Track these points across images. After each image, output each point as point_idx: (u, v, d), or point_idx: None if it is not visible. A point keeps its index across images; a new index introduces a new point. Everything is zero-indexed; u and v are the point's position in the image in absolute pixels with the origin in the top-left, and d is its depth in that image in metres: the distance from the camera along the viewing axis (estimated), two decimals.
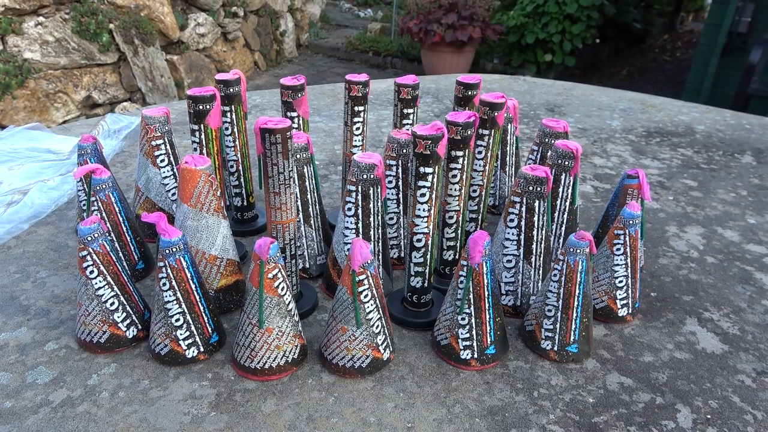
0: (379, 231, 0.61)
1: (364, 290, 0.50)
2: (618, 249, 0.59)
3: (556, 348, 0.55)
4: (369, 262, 0.49)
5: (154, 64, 4.17)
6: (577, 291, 0.53)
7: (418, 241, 0.57)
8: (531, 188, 0.57)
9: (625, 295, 0.61)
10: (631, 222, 0.58)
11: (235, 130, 0.69)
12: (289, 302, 0.51)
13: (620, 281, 0.60)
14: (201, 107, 0.57)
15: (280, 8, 5.43)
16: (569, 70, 4.88)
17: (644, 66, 5.83)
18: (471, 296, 0.52)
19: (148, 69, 4.13)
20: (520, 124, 1.21)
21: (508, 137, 0.79)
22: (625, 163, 1.05)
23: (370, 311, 0.51)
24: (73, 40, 3.70)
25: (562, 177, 0.63)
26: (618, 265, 0.60)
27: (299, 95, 0.67)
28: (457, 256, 0.65)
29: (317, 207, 0.66)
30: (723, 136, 1.21)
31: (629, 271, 0.60)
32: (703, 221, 0.85)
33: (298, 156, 0.62)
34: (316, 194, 0.65)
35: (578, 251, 0.52)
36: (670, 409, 0.51)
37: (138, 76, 4.14)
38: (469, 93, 0.68)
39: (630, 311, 0.61)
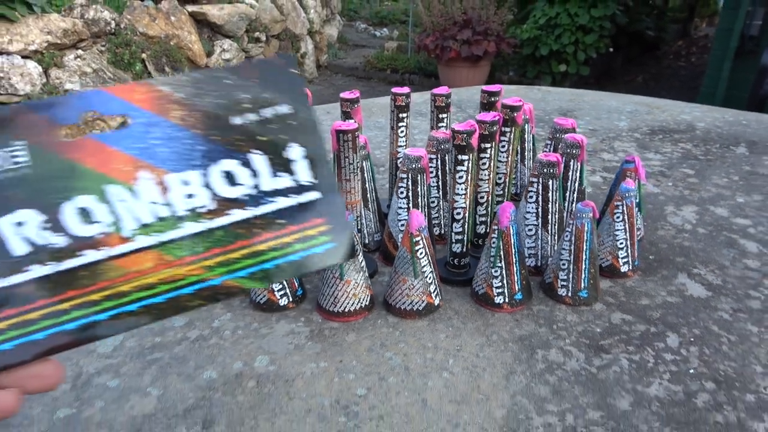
0: (425, 210, 0.76)
1: (419, 249, 0.65)
2: (618, 217, 0.74)
3: (570, 294, 0.70)
4: (423, 226, 0.65)
5: None
6: (585, 247, 0.68)
7: (458, 214, 0.72)
8: (545, 170, 0.72)
9: (625, 254, 0.75)
10: (627, 194, 0.73)
11: None
12: (362, 261, 0.67)
13: (621, 243, 0.74)
14: None
15: (299, 32, 5.66)
16: (584, 80, 5.00)
17: (659, 73, 5.93)
18: (501, 253, 0.67)
19: None
20: (537, 127, 1.36)
21: (526, 135, 0.94)
22: None
23: (424, 265, 0.66)
24: (109, 70, 3.92)
25: (571, 163, 0.78)
26: (618, 230, 0.74)
27: (355, 105, 0.84)
28: (487, 230, 0.80)
29: (374, 194, 0.82)
30: (720, 131, 1.35)
31: (628, 234, 0.74)
32: (698, 201, 0.99)
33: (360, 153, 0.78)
34: (373, 184, 0.81)
35: (584, 215, 0.67)
36: (662, 335, 0.65)
37: None
38: (492, 99, 0.84)
39: (630, 268, 0.76)
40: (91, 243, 0.28)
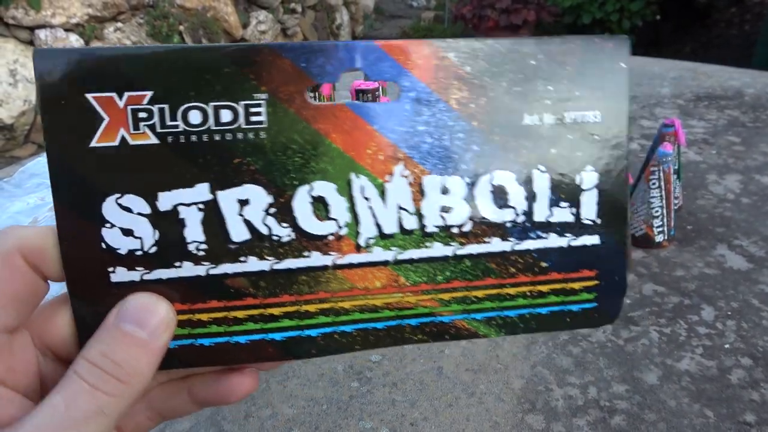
0: None
1: None
2: (653, 183, 0.70)
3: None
4: None
5: None
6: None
7: None
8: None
9: (660, 223, 0.71)
10: (664, 159, 0.69)
11: None
12: None
13: (656, 211, 0.70)
14: None
15: (335, 2, 5.59)
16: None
17: (709, 42, 5.63)
18: None
19: None
20: None
21: None
22: None
23: None
24: (147, 43, 3.95)
25: None
26: (654, 197, 0.70)
27: None
28: None
29: None
30: None
31: (664, 202, 0.70)
32: (743, 170, 0.93)
33: None
34: None
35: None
36: (696, 307, 0.61)
37: None
38: None
39: (666, 237, 0.72)
40: (320, 244, 0.23)
